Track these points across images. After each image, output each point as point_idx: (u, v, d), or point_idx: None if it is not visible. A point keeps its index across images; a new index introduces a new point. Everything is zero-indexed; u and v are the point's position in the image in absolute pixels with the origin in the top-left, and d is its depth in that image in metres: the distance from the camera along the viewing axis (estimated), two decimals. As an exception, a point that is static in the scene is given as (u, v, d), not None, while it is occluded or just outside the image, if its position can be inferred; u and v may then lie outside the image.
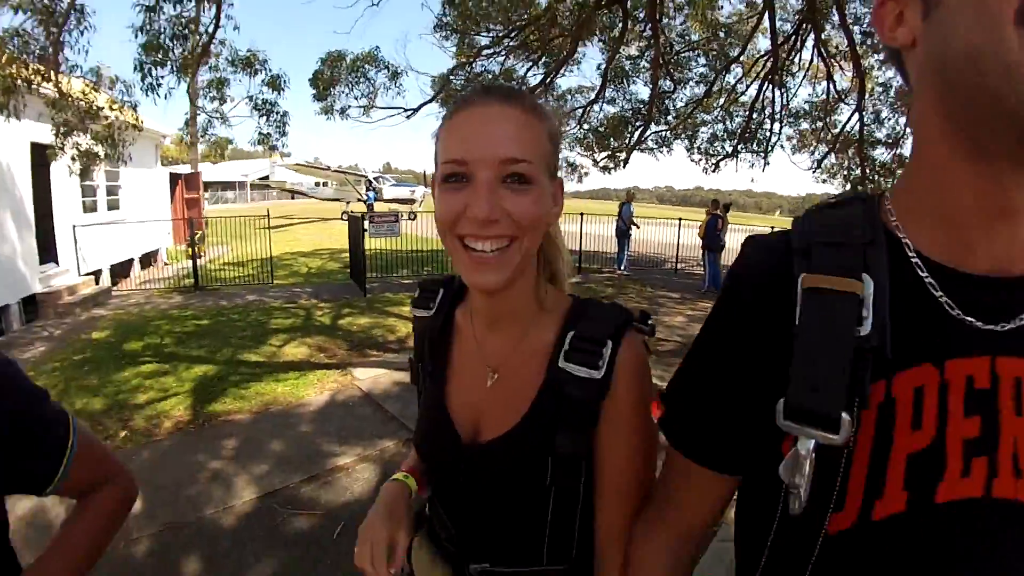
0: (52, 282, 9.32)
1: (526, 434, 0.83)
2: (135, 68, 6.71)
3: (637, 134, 12.78)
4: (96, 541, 1.00)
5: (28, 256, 8.70)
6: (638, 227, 13.57)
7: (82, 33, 6.12)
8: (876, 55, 11.41)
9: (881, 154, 12.62)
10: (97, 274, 10.93)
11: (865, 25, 10.84)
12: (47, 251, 9.45)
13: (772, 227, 14.62)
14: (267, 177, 44.82)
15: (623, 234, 13.17)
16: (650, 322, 0.89)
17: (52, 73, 6.03)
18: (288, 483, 3.76)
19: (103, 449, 1.07)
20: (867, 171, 12.18)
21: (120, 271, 12.14)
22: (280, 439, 4.39)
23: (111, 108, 6.91)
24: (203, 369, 5.98)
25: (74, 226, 9.94)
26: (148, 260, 13.98)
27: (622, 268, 13.31)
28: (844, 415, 0.51)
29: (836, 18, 10.01)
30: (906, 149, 12.02)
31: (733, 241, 12.96)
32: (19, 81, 5.69)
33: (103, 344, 7.07)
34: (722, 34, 12.13)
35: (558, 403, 0.81)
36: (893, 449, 0.53)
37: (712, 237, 11.63)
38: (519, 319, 0.88)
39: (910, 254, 0.57)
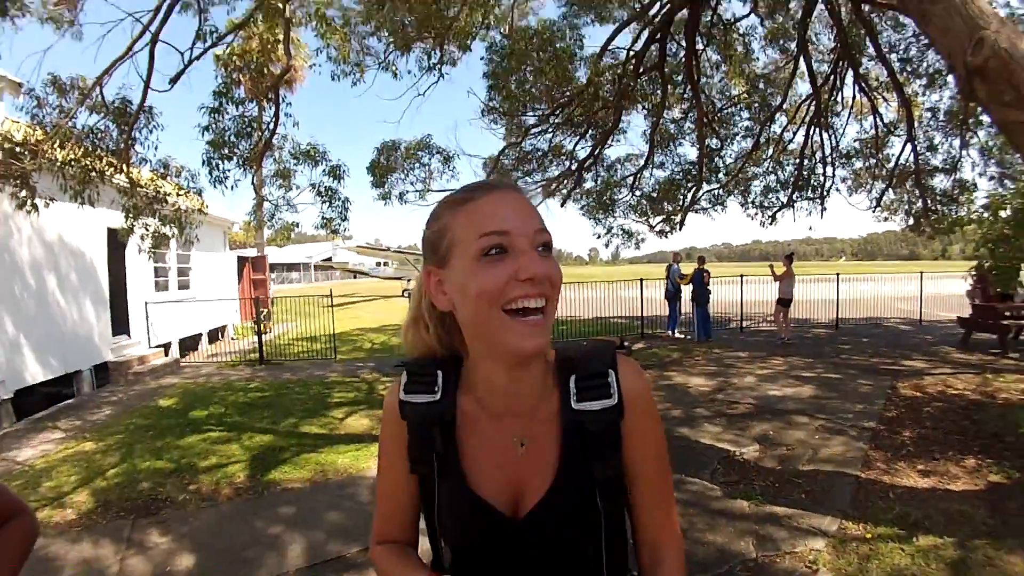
0: (124, 352, 10.03)
1: (568, 478, 0.87)
2: (203, 163, 7.26)
3: (690, 195, 12.73)
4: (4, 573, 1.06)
5: (102, 328, 9.52)
6: (683, 284, 13.06)
7: (151, 131, 6.76)
8: (919, 80, 11.15)
9: (941, 182, 12.21)
10: (167, 346, 11.53)
11: (902, 52, 10.65)
12: (120, 324, 10.25)
13: (837, 274, 14.07)
14: (330, 259, 46.90)
15: (673, 296, 12.85)
16: (626, 344, 0.98)
17: (124, 165, 6.63)
18: (344, 552, 3.62)
19: (6, 490, 1.12)
20: (928, 202, 11.69)
21: (189, 344, 12.79)
22: (338, 509, 4.29)
23: (177, 194, 7.46)
24: (265, 439, 6.01)
25: (146, 303, 10.78)
26: (216, 335, 14.65)
27: (675, 331, 12.87)
28: None
29: (872, 50, 9.89)
30: (966, 173, 11.65)
31: (800, 292, 12.44)
32: (93, 172, 6.30)
33: (169, 411, 7.28)
34: (761, 85, 12.11)
35: (583, 440, 0.87)
36: None
37: (701, 291, 11.89)
38: (537, 385, 0.91)
39: None
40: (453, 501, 0.91)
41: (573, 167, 12.56)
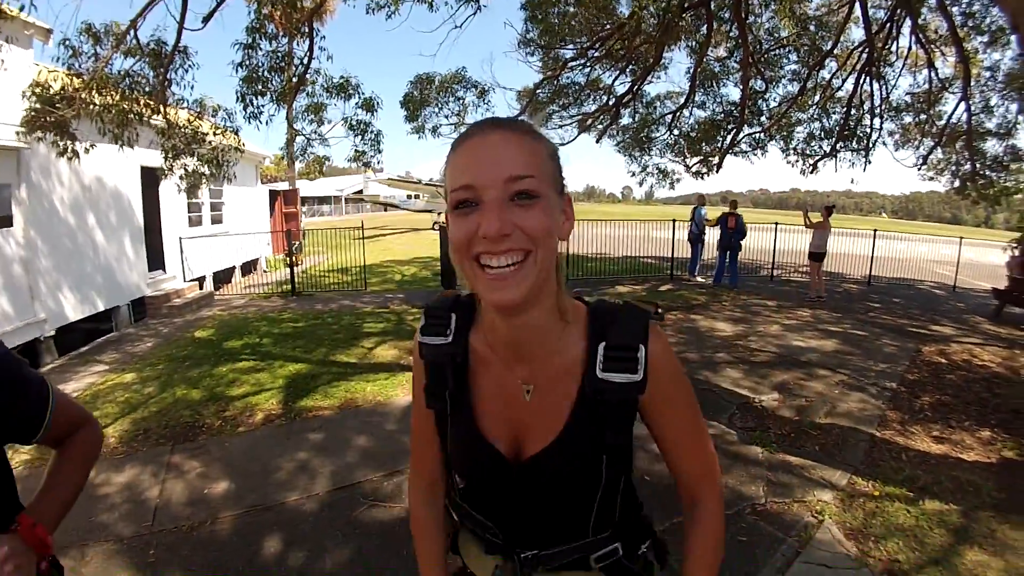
0: (160, 287, 10.37)
1: (574, 437, 0.89)
2: (237, 99, 7.24)
3: (730, 137, 12.31)
4: (78, 479, 1.20)
5: (138, 264, 9.82)
6: (711, 227, 12.84)
7: (187, 71, 6.70)
8: (980, 36, 10.47)
9: (992, 146, 11.63)
10: (201, 280, 11.90)
11: (965, 5, 9.97)
12: (155, 260, 10.57)
13: (875, 230, 13.65)
14: (361, 191, 46.83)
15: (696, 239, 12.73)
16: (659, 310, 0.97)
17: (161, 106, 6.62)
18: (370, 477, 3.82)
19: (74, 403, 1.25)
20: (977, 165, 11.20)
21: (223, 277, 13.17)
22: (366, 435, 4.48)
23: (215, 133, 7.48)
24: (296, 368, 6.24)
25: (180, 238, 11.02)
26: (249, 268, 15.04)
27: (696, 275, 12.87)
28: None
29: (933, 0, 9.27)
30: (1020, 140, 11.12)
31: (835, 246, 12.16)
32: (131, 115, 6.30)
33: (205, 342, 7.56)
34: (812, 27, 11.47)
35: (600, 407, 0.87)
36: None
37: (725, 235, 11.75)
38: (546, 336, 0.89)
39: None
40: (461, 438, 0.96)
41: (611, 102, 12.26)
